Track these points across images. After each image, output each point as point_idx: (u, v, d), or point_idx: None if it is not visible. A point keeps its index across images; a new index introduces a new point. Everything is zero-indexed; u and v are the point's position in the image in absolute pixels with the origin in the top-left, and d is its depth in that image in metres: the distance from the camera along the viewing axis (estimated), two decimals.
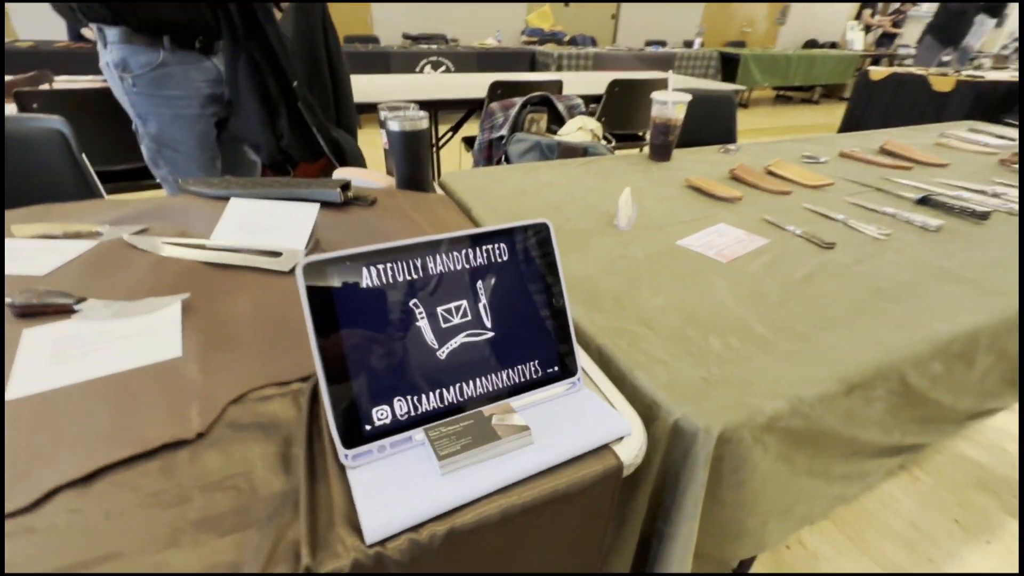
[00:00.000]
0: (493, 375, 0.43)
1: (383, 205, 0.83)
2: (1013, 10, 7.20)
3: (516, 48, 5.09)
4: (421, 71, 4.42)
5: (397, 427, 0.39)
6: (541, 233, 0.46)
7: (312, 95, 1.31)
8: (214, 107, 1.24)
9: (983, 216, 0.91)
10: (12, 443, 0.37)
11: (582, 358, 0.48)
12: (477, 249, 0.43)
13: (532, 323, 0.45)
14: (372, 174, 0.94)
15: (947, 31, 4.79)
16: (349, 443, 0.38)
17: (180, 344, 0.49)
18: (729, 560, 0.56)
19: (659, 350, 0.53)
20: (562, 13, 6.30)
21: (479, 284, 0.43)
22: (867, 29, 6.87)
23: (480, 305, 0.43)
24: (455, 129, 2.54)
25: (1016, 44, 5.24)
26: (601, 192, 1.00)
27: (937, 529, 1.13)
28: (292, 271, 0.63)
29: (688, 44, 6.23)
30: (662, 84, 2.42)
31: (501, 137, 1.49)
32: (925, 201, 0.99)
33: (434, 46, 4.72)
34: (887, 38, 6.70)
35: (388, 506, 0.34)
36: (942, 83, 3.66)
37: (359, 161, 1.42)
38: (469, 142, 2.31)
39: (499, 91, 2.02)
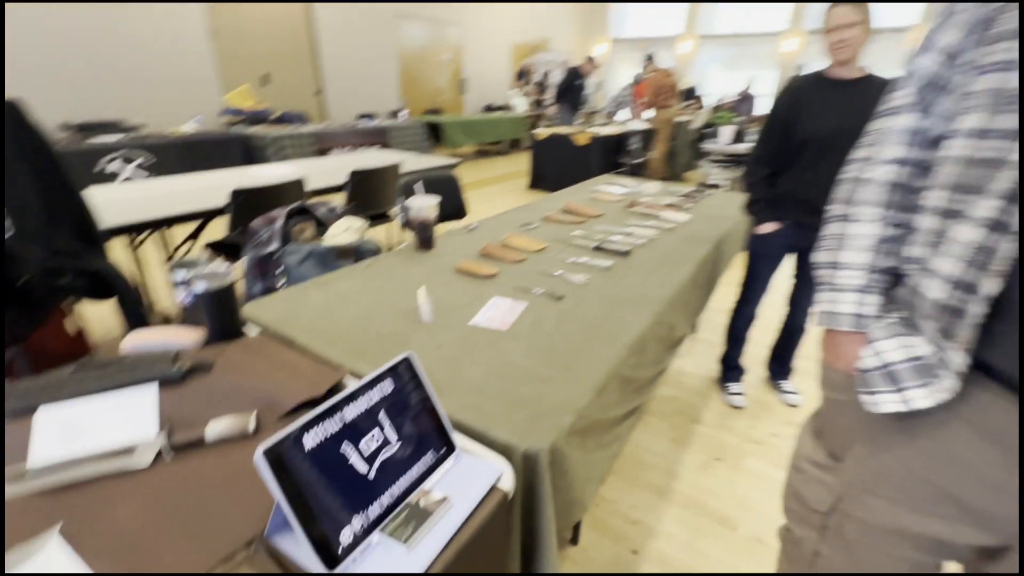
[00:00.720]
0: (408, 473, 0.61)
1: (218, 364, 0.86)
2: (608, 76, 10.27)
3: (222, 133, 4.79)
4: (104, 171, 3.76)
5: (358, 540, 0.53)
6: (408, 363, 0.66)
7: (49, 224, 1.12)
8: None
9: (627, 253, 1.48)
10: None
11: (454, 435, 0.69)
12: (373, 390, 0.61)
13: (420, 425, 0.65)
14: (173, 332, 0.93)
15: (569, 97, 6.65)
16: (331, 565, 0.50)
17: None
18: (566, 529, 0.85)
19: (494, 408, 0.79)
20: (263, 91, 6.19)
21: (381, 413, 0.61)
22: (524, 95, 8.91)
23: (386, 428, 0.61)
24: (194, 236, 2.34)
25: (616, 104, 7.62)
26: (396, 291, 1.22)
27: (666, 449, 1.71)
28: (157, 461, 0.64)
29: (394, 114, 6.94)
30: (394, 172, 2.76)
31: (272, 253, 1.54)
32: (599, 248, 1.54)
33: (115, 137, 4.06)
34: (539, 103, 8.83)
35: None
36: (581, 139, 5.09)
37: (131, 295, 1.27)
38: (216, 248, 2.18)
39: (242, 197, 2.01)
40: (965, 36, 0.55)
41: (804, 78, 1.55)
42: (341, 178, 2.58)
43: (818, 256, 0.73)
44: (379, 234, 3.11)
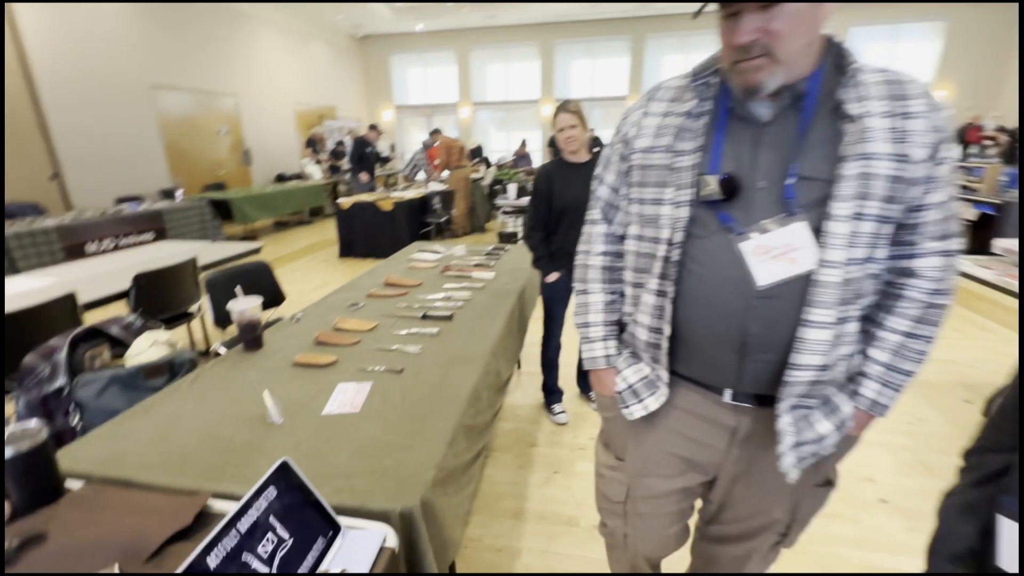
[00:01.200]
0: (305, 562, 0.70)
1: (51, 530, 0.78)
2: (398, 140, 10.76)
3: None
4: None
5: None
6: (285, 466, 0.76)
7: None
8: None
9: (450, 317, 1.72)
10: None
11: (338, 517, 0.80)
12: (259, 499, 0.69)
13: (307, 518, 0.74)
14: None
15: (362, 165, 6.83)
16: None
17: None
18: (445, 567, 1.00)
19: (365, 484, 0.91)
20: None
21: (271, 518, 0.69)
22: (318, 163, 8.80)
23: (278, 530, 0.69)
24: None
25: (412, 168, 8.08)
26: (236, 400, 1.22)
27: (514, 476, 1.96)
28: None
29: (168, 194, 6.17)
30: (189, 270, 2.56)
31: (60, 389, 1.35)
32: (425, 317, 1.75)
33: None
34: (335, 169, 8.82)
35: None
36: (386, 204, 5.31)
37: None
38: None
39: None
40: (618, 178, 0.94)
41: (552, 163, 2.05)
42: (120, 283, 2.30)
43: (576, 319, 1.04)
44: (179, 335, 2.79)
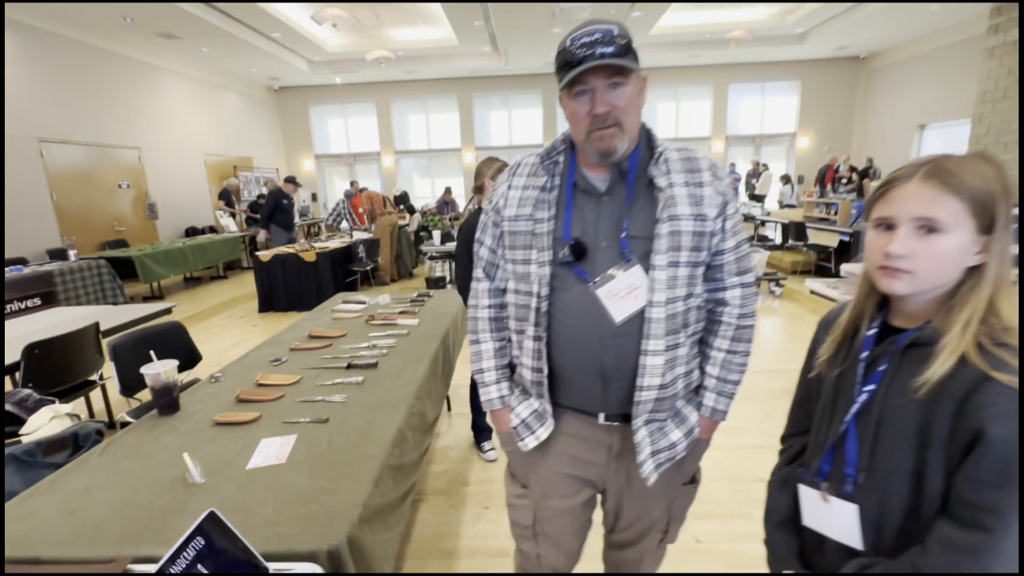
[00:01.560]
0: None
1: None
2: (319, 188, 10.57)
3: None
4: None
5: None
6: (213, 516, 0.80)
7: None
8: None
9: (375, 365, 1.79)
10: None
11: (269, 563, 0.85)
12: (187, 549, 0.74)
13: (235, 562, 0.79)
14: None
15: (278, 218, 6.63)
16: None
17: None
18: None
19: (291, 529, 0.96)
20: None
21: (199, 566, 0.74)
22: (233, 216, 8.47)
23: None
24: None
25: (335, 217, 8.01)
26: (153, 465, 1.21)
27: (447, 516, 2.00)
28: None
29: (58, 255, 5.66)
30: (90, 336, 2.43)
31: None
32: (350, 366, 1.80)
33: None
34: (253, 220, 8.52)
35: None
36: (308, 255, 5.25)
37: None
38: None
39: None
40: (494, 241, 1.08)
41: (474, 213, 2.22)
42: (9, 355, 2.12)
43: (472, 367, 1.11)
44: (79, 408, 2.57)
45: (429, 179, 12.30)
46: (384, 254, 6.59)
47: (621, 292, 0.90)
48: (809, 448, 0.83)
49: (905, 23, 8.36)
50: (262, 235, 6.51)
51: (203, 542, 0.77)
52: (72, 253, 5.47)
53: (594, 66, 0.81)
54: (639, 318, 0.90)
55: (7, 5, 5.51)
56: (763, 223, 8.14)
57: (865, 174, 9.39)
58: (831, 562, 0.78)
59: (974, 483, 0.60)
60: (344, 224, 7.85)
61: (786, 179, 10.46)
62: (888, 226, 0.67)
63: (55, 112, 6.29)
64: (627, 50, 0.83)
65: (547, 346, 0.97)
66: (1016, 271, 0.68)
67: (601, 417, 0.99)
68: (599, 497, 1.14)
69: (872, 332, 0.75)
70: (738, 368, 1.00)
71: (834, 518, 0.76)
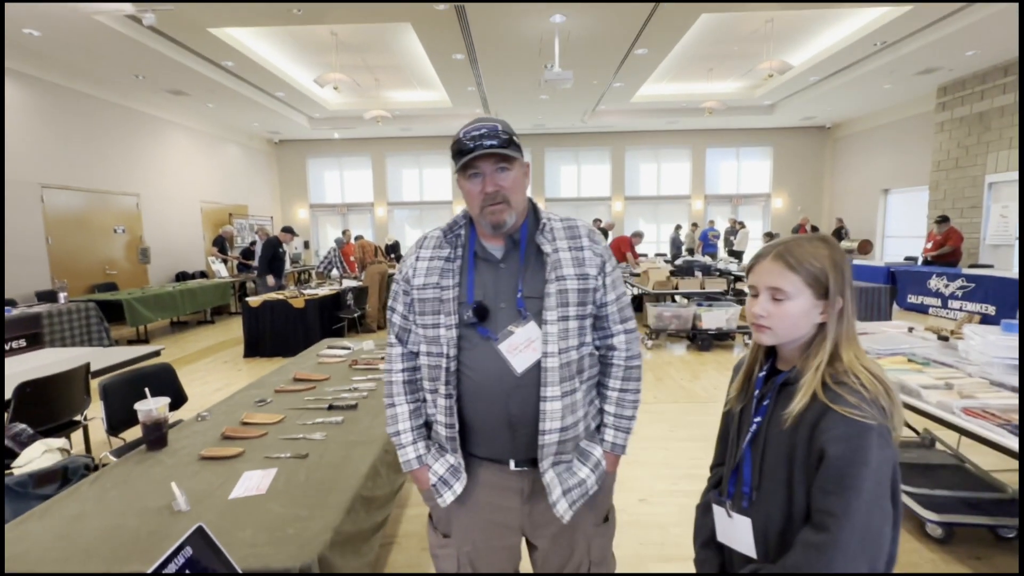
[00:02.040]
0: None
1: None
2: (312, 236, 10.75)
3: None
4: None
5: None
6: (200, 530, 0.91)
7: None
8: None
9: (354, 406, 1.90)
10: None
11: None
12: (177, 556, 0.84)
13: (218, 572, 0.89)
14: None
15: (272, 266, 6.80)
16: None
17: None
18: None
19: (267, 550, 1.06)
20: None
21: (187, 572, 0.84)
22: (225, 262, 8.63)
23: None
24: None
25: (326, 264, 8.19)
26: (141, 495, 1.30)
27: (419, 555, 2.05)
28: None
29: (47, 297, 5.72)
30: (80, 377, 2.51)
31: None
32: (331, 407, 1.91)
33: None
34: (245, 267, 8.68)
35: None
36: (297, 302, 5.37)
37: None
38: None
39: None
40: (405, 308, 1.11)
41: None
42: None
43: (387, 430, 1.14)
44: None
45: (420, 229, 12.65)
46: (372, 301, 6.74)
47: (520, 346, 1.03)
48: (724, 473, 0.98)
49: (861, 100, 9.13)
50: (270, 281, 6.60)
51: (191, 551, 0.87)
52: (62, 296, 5.55)
53: (482, 154, 0.98)
54: (537, 368, 1.01)
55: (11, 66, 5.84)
56: (739, 279, 8.47)
57: (838, 234, 9.90)
58: (738, 572, 0.91)
59: (820, 492, 0.75)
60: (334, 272, 8.03)
61: (769, 236, 10.93)
62: (755, 293, 0.86)
63: (59, 159, 6.55)
64: (509, 142, 1.00)
65: (458, 402, 1.06)
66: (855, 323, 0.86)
67: (511, 464, 1.06)
68: (525, 544, 1.18)
69: (761, 375, 0.92)
70: (631, 404, 1.14)
71: (736, 532, 0.89)
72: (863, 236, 9.91)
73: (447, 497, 1.08)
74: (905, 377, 1.95)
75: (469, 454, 1.10)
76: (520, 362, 1.02)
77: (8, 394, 2.17)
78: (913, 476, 2.30)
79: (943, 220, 7.19)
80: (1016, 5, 4.46)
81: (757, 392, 0.91)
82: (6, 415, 2.17)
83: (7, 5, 4.63)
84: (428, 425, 1.15)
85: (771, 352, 0.93)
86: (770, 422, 0.86)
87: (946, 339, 2.47)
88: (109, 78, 6.85)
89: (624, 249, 7.45)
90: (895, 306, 7.14)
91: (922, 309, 6.99)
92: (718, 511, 0.94)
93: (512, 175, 1.03)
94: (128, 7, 4.85)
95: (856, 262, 8.40)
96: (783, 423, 0.82)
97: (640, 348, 1.17)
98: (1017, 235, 7.05)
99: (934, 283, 6.82)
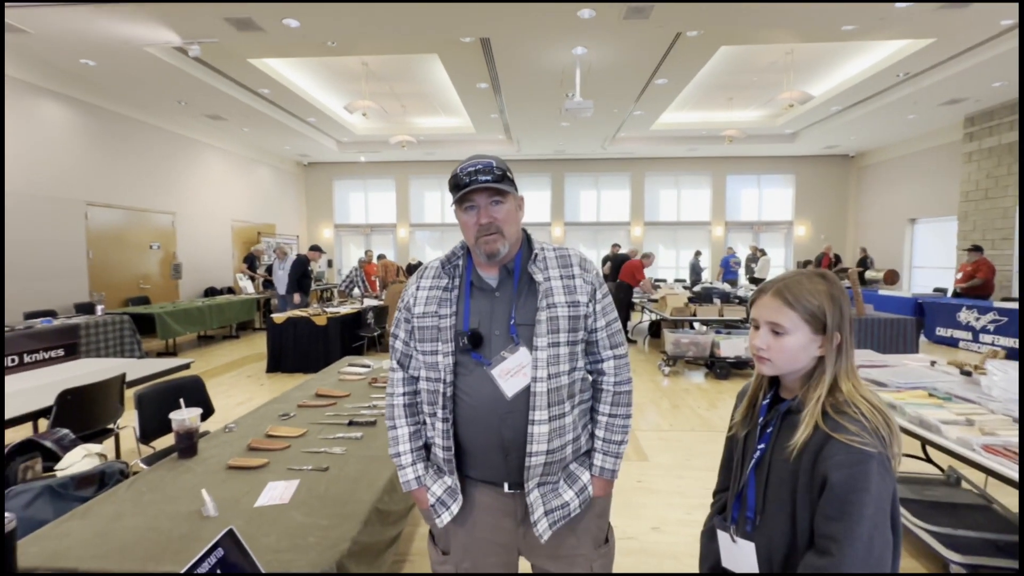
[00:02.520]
0: None
1: None
2: (335, 255, 10.93)
3: None
4: None
5: None
6: (231, 533, 0.98)
7: None
8: None
9: (373, 423, 1.97)
10: None
11: None
12: (211, 556, 0.91)
13: (245, 572, 0.95)
14: None
15: (300, 284, 7.02)
16: None
17: None
18: None
19: (291, 556, 1.11)
20: None
21: (218, 571, 0.90)
22: (252, 279, 8.91)
23: None
24: None
25: (348, 283, 8.39)
26: (172, 500, 1.37)
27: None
28: None
29: (85, 309, 6.00)
30: (116, 386, 2.64)
31: None
32: (351, 423, 1.98)
33: None
34: (270, 283, 8.94)
35: None
36: (319, 320, 5.51)
37: None
38: None
39: None
40: (407, 335, 1.16)
41: None
42: (38, 400, 2.33)
43: (389, 451, 1.18)
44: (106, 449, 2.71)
45: (441, 250, 12.86)
46: (392, 320, 6.85)
47: (512, 371, 1.06)
48: (728, 498, 1.00)
49: (885, 129, 9.08)
50: (297, 298, 6.82)
51: (222, 552, 0.94)
52: (99, 308, 5.81)
53: (477, 188, 1.05)
54: (527, 392, 1.05)
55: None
56: None
57: (862, 263, 9.73)
58: None
59: (823, 518, 0.78)
60: (356, 291, 8.21)
61: (806, 264, 10.76)
62: (756, 326, 0.91)
63: (103, 178, 6.94)
64: (503, 178, 1.07)
65: (454, 426, 1.10)
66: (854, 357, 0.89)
67: (505, 486, 1.10)
68: (525, 565, 1.20)
69: (765, 402, 0.95)
70: (620, 429, 1.16)
71: (740, 556, 0.92)
72: (889, 266, 9.72)
73: (444, 517, 1.11)
74: (924, 411, 1.93)
75: (465, 476, 1.14)
76: (511, 387, 1.06)
77: (51, 401, 2.30)
78: (937, 515, 2.24)
79: (974, 249, 7.02)
80: (1016, 5, 4.45)
81: (761, 419, 0.94)
82: (48, 420, 2.29)
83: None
84: (428, 447, 1.18)
85: (775, 380, 0.97)
86: (774, 449, 0.89)
87: (969, 374, 2.43)
88: (154, 103, 7.29)
89: (638, 275, 7.44)
90: (923, 339, 6.95)
91: (952, 343, 6.78)
92: (722, 536, 0.96)
93: (505, 208, 1.09)
94: (176, 39, 5.20)
95: (881, 292, 8.23)
96: (787, 454, 0.85)
97: (630, 374, 1.20)
98: None
99: (964, 316, 6.63)
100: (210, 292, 8.81)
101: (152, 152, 7.84)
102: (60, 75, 6.08)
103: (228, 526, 1.23)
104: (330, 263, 12.65)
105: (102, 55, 5.53)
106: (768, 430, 0.91)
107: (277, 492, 1.42)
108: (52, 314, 5.60)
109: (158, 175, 7.96)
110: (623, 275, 7.40)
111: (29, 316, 5.42)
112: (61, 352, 5.00)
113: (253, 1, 4.43)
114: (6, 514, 1.01)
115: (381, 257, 8.02)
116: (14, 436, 1.71)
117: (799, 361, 0.87)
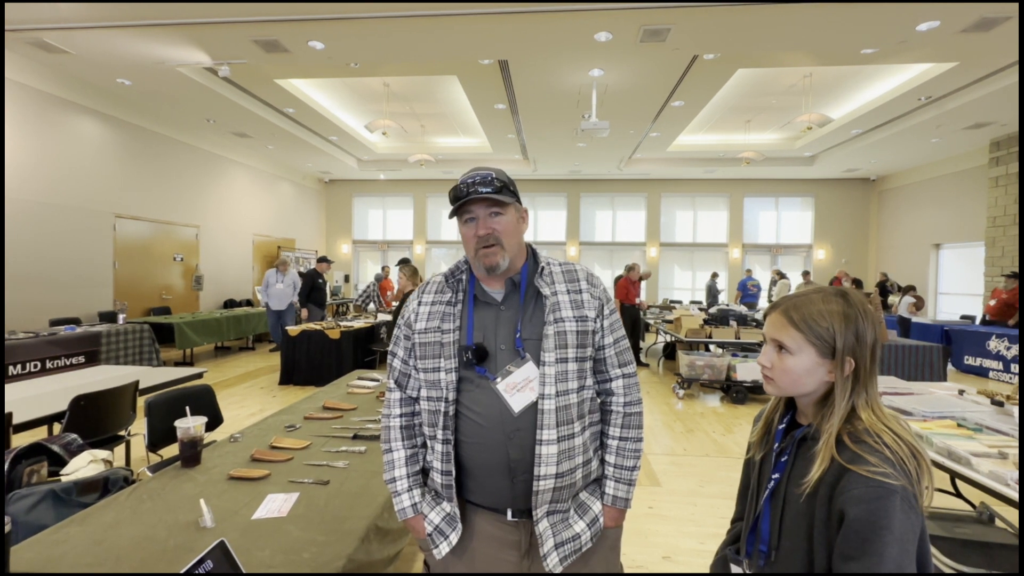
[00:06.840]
0: None
1: None
2: (352, 270, 11.05)
3: None
4: None
5: None
6: (222, 545, 0.96)
7: None
8: None
9: (377, 437, 1.94)
10: None
11: None
12: (199, 569, 0.89)
13: None
14: None
15: (313, 297, 7.11)
16: None
17: None
18: None
19: (284, 571, 1.08)
20: None
21: None
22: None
23: None
24: None
25: (364, 298, 8.46)
26: (172, 509, 1.36)
27: None
28: None
29: (108, 318, 6.14)
30: (129, 393, 2.67)
31: None
32: (356, 436, 1.96)
33: None
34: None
35: None
36: (333, 333, 5.54)
37: None
38: None
39: None
40: (406, 353, 1.15)
41: None
42: (52, 404, 2.36)
43: (384, 476, 1.15)
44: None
45: None
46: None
47: (518, 385, 1.02)
48: (743, 528, 0.95)
49: (907, 153, 8.93)
50: (305, 313, 6.91)
51: (211, 565, 0.92)
52: (121, 317, 5.95)
53: (475, 198, 1.03)
54: (534, 410, 1.01)
55: None
56: None
57: (883, 288, 9.48)
58: None
59: (841, 558, 0.72)
60: (371, 306, 8.27)
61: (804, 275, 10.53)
62: (765, 342, 0.87)
63: (132, 192, 7.17)
64: (502, 189, 1.05)
65: (455, 447, 1.06)
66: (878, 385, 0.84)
67: (509, 513, 1.05)
68: None
69: (781, 427, 0.91)
70: (632, 454, 1.10)
71: None
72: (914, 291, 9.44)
73: (443, 548, 1.06)
74: (953, 443, 1.83)
75: (466, 502, 1.09)
76: (517, 402, 1.02)
77: (63, 406, 2.34)
78: (969, 554, 2.11)
79: (1014, 276, 6.76)
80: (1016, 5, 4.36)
81: (777, 446, 0.89)
82: (59, 424, 2.32)
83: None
84: (425, 472, 1.14)
85: (791, 403, 0.92)
86: (789, 480, 0.84)
87: (1001, 404, 2.31)
88: (184, 121, 7.56)
89: (631, 293, 7.26)
90: (951, 367, 6.69)
91: (981, 372, 6.52)
92: (735, 570, 0.91)
93: (505, 219, 1.07)
94: (207, 60, 5.41)
95: (908, 316, 7.98)
96: (802, 488, 0.80)
97: (640, 394, 1.15)
98: None
99: (994, 345, 6.38)
100: (229, 304, 8.96)
101: (180, 167, 8.10)
102: (97, 93, 6.36)
103: (223, 537, 1.21)
104: (347, 278, 12.81)
105: (137, 75, 5.77)
106: (783, 459, 0.86)
107: (276, 505, 1.40)
108: (76, 322, 5.74)
109: (185, 189, 8.20)
110: (618, 296, 7.26)
111: (54, 323, 5.56)
112: (82, 359, 5.12)
113: (280, 22, 4.59)
114: (5, 518, 1.00)
115: (406, 261, 8.01)
116: (29, 440, 1.73)
117: (803, 384, 0.83)
